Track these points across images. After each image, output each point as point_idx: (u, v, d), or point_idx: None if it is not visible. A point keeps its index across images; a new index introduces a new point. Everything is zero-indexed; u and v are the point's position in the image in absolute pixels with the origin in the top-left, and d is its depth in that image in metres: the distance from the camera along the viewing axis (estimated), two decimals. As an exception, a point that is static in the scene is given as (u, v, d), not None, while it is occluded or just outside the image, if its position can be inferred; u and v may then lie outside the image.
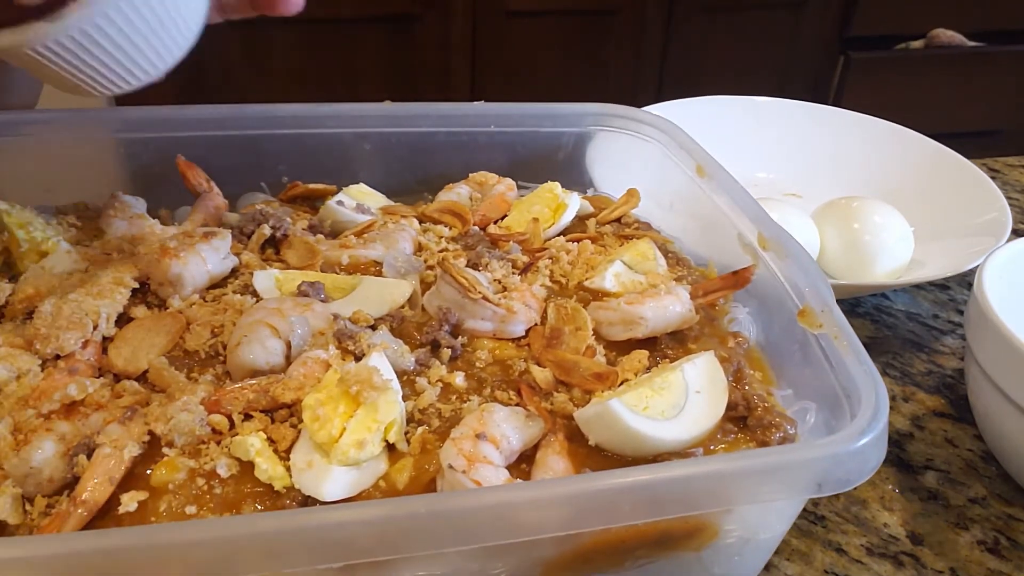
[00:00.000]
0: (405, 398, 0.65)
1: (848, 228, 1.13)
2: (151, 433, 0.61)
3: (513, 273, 0.81)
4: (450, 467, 0.58)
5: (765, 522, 0.65)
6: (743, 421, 0.69)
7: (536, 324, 0.76)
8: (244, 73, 2.37)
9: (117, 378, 0.67)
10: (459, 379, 0.69)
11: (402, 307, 0.76)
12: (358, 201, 0.94)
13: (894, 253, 1.11)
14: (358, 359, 0.66)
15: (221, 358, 0.70)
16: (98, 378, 0.66)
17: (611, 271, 0.81)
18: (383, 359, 0.65)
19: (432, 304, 0.75)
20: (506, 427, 0.62)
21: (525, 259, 0.85)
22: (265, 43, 2.37)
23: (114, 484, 0.58)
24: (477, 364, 0.71)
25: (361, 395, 0.60)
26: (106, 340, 0.70)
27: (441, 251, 0.86)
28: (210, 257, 0.77)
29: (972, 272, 0.88)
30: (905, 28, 2.89)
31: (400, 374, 0.67)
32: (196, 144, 0.94)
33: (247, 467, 0.59)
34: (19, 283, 0.74)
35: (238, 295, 0.76)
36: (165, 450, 0.60)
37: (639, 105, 1.02)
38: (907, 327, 1.10)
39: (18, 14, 0.60)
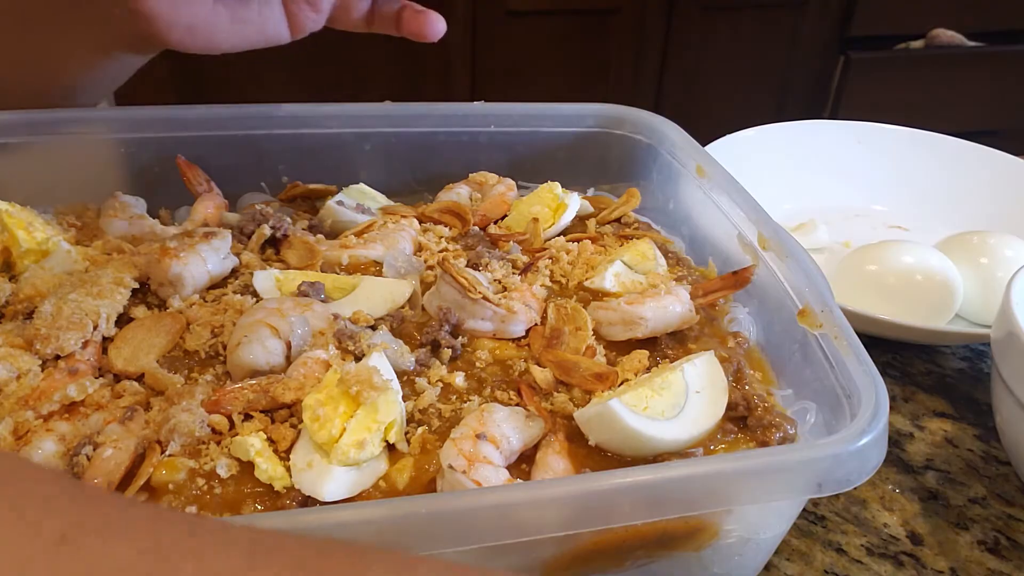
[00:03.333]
0: (405, 398, 0.65)
1: (975, 264, 1.07)
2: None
3: (513, 273, 0.81)
4: (450, 467, 0.58)
5: (765, 522, 0.65)
6: (743, 421, 0.69)
7: (536, 324, 0.76)
8: (244, 73, 2.37)
9: (117, 378, 0.67)
10: (459, 379, 0.69)
11: (402, 307, 0.76)
12: (358, 201, 0.94)
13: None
14: (358, 359, 0.66)
15: (221, 358, 0.70)
16: (98, 378, 0.66)
17: (611, 271, 0.81)
18: (383, 359, 0.65)
19: (432, 304, 0.75)
20: (506, 427, 0.62)
21: (525, 259, 0.85)
22: (265, 43, 2.36)
23: (113, 485, 0.58)
24: (477, 364, 0.71)
25: (361, 395, 0.60)
26: (106, 340, 0.70)
27: (441, 251, 0.86)
28: (210, 257, 0.77)
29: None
30: (905, 28, 2.89)
31: (400, 374, 0.67)
32: (196, 144, 0.94)
33: (247, 467, 0.59)
34: (19, 283, 0.74)
35: (238, 295, 0.76)
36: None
37: (639, 105, 1.02)
38: (907, 327, 1.10)
39: None
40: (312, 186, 0.96)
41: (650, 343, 0.74)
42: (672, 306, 0.75)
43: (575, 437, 0.65)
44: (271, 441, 0.61)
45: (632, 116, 1.01)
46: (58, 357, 0.67)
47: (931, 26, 2.89)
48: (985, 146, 1.35)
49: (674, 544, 0.62)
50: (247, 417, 0.63)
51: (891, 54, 2.90)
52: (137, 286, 0.75)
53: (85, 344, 0.68)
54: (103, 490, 0.50)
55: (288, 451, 0.61)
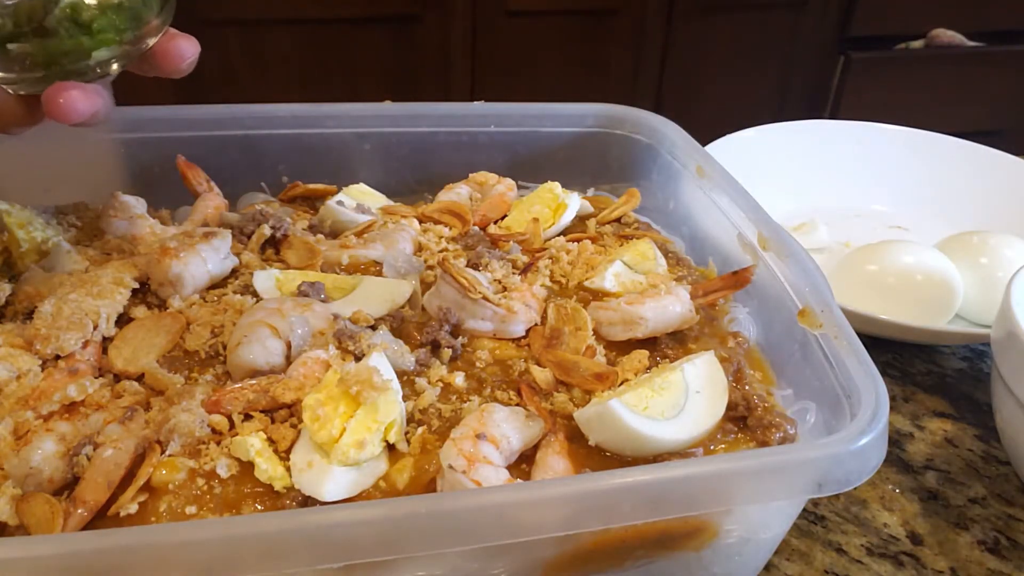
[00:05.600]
0: (405, 398, 0.65)
1: (975, 264, 1.07)
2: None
3: (513, 273, 0.81)
4: (450, 467, 0.58)
5: (765, 522, 0.65)
6: (743, 421, 0.69)
7: (536, 324, 0.76)
8: (244, 73, 2.37)
9: (117, 378, 0.67)
10: (459, 379, 0.69)
11: (402, 307, 0.76)
12: (358, 201, 0.94)
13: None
14: (358, 359, 0.66)
15: (221, 358, 0.70)
16: (98, 378, 0.66)
17: (611, 271, 0.81)
18: (383, 359, 0.65)
19: (432, 304, 0.75)
20: (506, 427, 0.62)
21: (525, 259, 0.85)
22: (265, 43, 2.37)
23: (113, 485, 0.58)
24: (477, 364, 0.71)
25: (361, 395, 0.60)
26: (106, 340, 0.70)
27: (441, 251, 0.86)
28: (210, 257, 0.77)
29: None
30: (905, 28, 2.89)
31: (400, 374, 0.67)
32: (196, 144, 0.94)
33: (247, 467, 0.59)
34: (19, 283, 0.74)
35: (238, 295, 0.76)
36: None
37: (639, 105, 1.02)
38: (907, 327, 1.10)
39: None
40: (312, 186, 0.96)
41: (650, 343, 0.74)
42: (672, 306, 0.75)
43: (575, 437, 0.65)
44: (271, 441, 0.61)
45: (632, 116, 1.01)
46: (58, 357, 0.67)
47: (931, 26, 2.89)
48: (985, 146, 1.35)
49: (674, 544, 0.62)
50: (247, 417, 0.63)
51: (891, 54, 2.90)
52: (137, 286, 0.75)
53: (85, 344, 0.68)
54: None
55: (288, 451, 0.61)
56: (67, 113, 0.62)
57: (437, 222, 0.92)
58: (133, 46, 0.65)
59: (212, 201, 0.91)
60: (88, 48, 0.62)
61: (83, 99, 0.62)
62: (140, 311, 0.74)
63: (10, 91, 0.63)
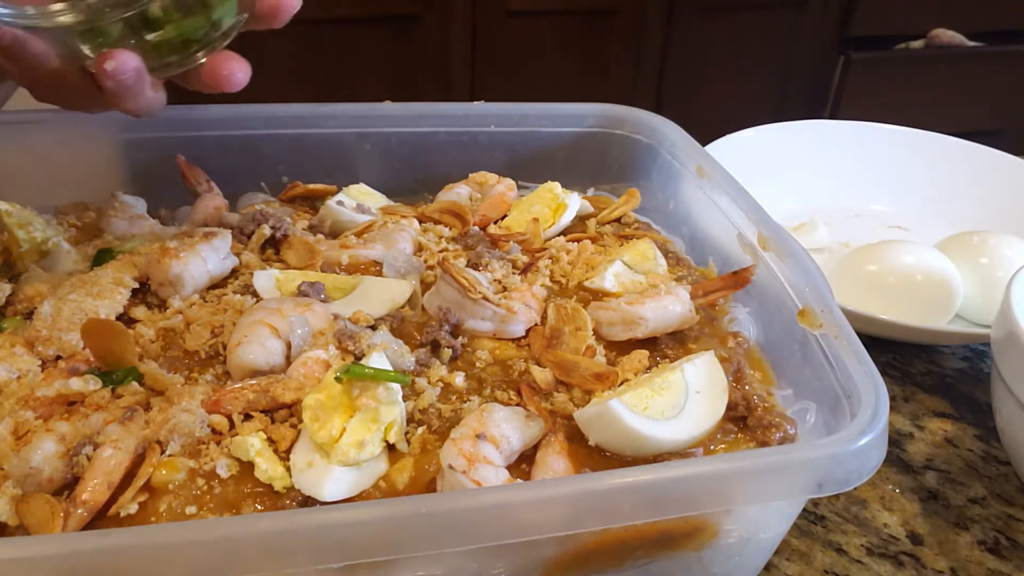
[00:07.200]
0: (405, 398, 0.65)
1: (975, 264, 1.07)
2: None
3: (513, 273, 0.81)
4: (450, 467, 0.58)
5: (765, 522, 0.65)
6: (743, 421, 0.69)
7: (536, 324, 0.76)
8: (244, 73, 2.37)
9: (117, 378, 0.67)
10: (459, 379, 0.69)
11: (402, 307, 0.76)
12: (358, 201, 0.94)
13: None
14: (358, 359, 0.66)
15: (221, 358, 0.70)
16: (98, 378, 0.66)
17: (611, 271, 0.81)
18: (383, 359, 0.65)
19: (432, 304, 0.75)
20: (506, 427, 0.62)
21: (525, 259, 0.85)
22: (265, 43, 2.36)
23: (113, 485, 0.58)
24: (477, 364, 0.71)
25: (359, 401, 0.60)
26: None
27: (441, 251, 0.86)
28: (210, 257, 0.77)
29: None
30: (905, 28, 2.89)
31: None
32: (196, 144, 0.94)
33: (247, 467, 0.59)
34: (19, 283, 0.74)
35: (238, 295, 0.76)
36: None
37: (639, 105, 1.02)
38: (907, 327, 1.10)
39: None
40: (312, 186, 0.96)
41: (650, 343, 0.74)
42: (672, 306, 0.75)
43: (575, 437, 0.65)
44: (271, 441, 0.61)
45: (632, 116, 1.01)
46: (58, 357, 0.67)
47: (931, 26, 2.89)
48: (985, 146, 1.35)
49: (674, 544, 0.62)
50: (247, 417, 0.63)
51: (891, 54, 2.90)
52: (137, 286, 0.75)
53: (85, 344, 0.68)
54: None
55: (288, 451, 0.61)
56: (232, 83, 0.70)
57: (437, 222, 0.92)
58: (245, 9, 0.69)
59: (212, 201, 0.91)
60: (217, 16, 0.67)
61: (241, 68, 0.70)
62: (140, 311, 0.74)
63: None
